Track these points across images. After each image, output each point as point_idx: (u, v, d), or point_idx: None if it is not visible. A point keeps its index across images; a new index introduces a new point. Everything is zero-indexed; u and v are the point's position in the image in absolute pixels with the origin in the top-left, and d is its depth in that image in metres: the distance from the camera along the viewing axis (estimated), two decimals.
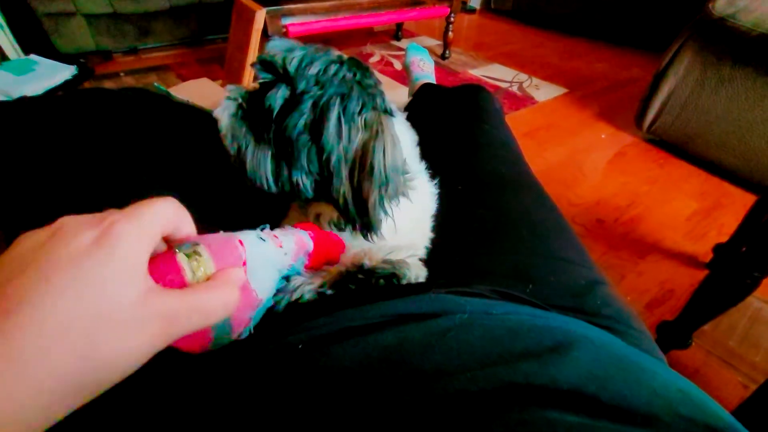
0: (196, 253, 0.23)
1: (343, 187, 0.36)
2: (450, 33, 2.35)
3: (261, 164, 0.36)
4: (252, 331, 0.27)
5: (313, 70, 0.34)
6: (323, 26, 1.87)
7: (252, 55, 1.65)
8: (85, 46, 2.07)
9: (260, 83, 0.36)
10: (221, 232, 0.27)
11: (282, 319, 0.34)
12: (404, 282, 0.34)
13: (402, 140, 0.39)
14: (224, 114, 0.37)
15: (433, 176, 0.49)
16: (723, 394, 0.82)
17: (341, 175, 0.35)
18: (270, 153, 0.36)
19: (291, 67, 0.34)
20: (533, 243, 0.44)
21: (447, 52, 2.45)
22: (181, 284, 0.22)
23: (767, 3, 1.21)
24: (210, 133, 0.54)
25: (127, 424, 0.24)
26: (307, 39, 2.50)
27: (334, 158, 0.35)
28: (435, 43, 2.73)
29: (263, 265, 0.28)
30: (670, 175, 1.51)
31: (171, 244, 0.24)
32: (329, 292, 0.36)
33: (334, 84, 0.35)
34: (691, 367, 0.87)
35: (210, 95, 1.52)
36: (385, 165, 0.36)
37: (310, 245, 0.34)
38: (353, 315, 0.27)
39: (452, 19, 2.30)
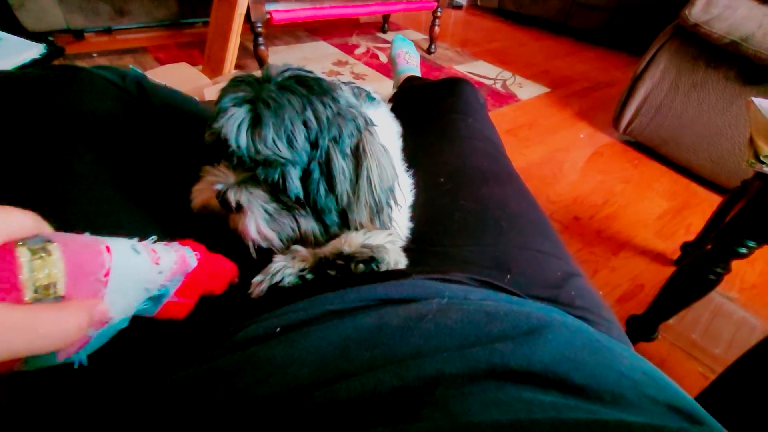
0: (44, 250, 0.18)
1: (357, 213, 0.40)
2: (436, 28, 2.36)
3: (303, 228, 0.39)
4: (84, 360, 0.22)
5: (298, 147, 0.36)
6: (308, 15, 1.84)
7: (234, 41, 1.61)
8: (54, 24, 1.96)
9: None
10: (87, 233, 0.22)
11: (262, 302, 0.34)
12: (383, 267, 0.35)
13: (387, 133, 0.40)
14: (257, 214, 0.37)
15: (408, 167, 0.51)
16: (685, 383, 0.86)
17: (352, 205, 0.39)
18: (313, 217, 0.39)
19: (287, 172, 0.36)
20: (512, 235, 0.45)
21: (433, 46, 2.45)
22: (13, 286, 0.17)
23: (739, 12, 1.26)
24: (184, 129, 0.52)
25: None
26: (291, 27, 2.43)
27: (345, 197, 0.39)
28: (421, 37, 2.73)
29: (129, 279, 0.23)
30: (644, 176, 1.56)
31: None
32: (309, 276, 0.36)
33: (324, 135, 0.37)
34: (657, 358, 0.91)
35: (189, 81, 1.47)
36: (379, 185, 0.40)
37: (192, 266, 0.29)
38: (333, 299, 0.27)
39: (439, 13, 2.30)
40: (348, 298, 0.27)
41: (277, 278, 0.34)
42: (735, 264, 0.73)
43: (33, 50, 1.75)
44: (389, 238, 0.38)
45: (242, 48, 1.74)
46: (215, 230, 0.41)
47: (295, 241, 0.39)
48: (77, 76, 0.42)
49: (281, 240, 0.38)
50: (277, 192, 0.37)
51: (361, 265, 0.34)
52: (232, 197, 0.36)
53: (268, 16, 1.70)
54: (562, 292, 0.40)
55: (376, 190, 0.39)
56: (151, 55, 2.02)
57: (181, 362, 0.27)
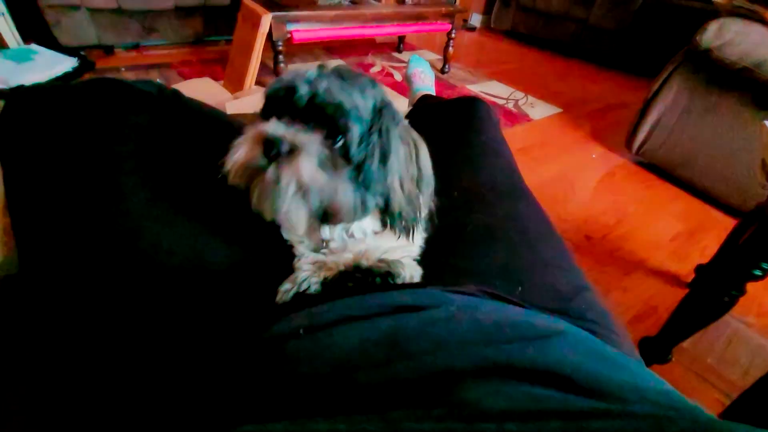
0: None
1: (399, 197, 0.39)
2: (450, 48, 2.41)
3: (345, 196, 0.36)
4: None
5: (362, 109, 0.36)
6: (327, 35, 1.91)
7: (255, 58, 1.67)
8: (86, 39, 2.07)
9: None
10: None
11: (289, 307, 0.35)
12: (399, 281, 0.36)
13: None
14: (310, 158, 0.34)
15: None
16: None
17: (397, 188, 0.38)
18: (353, 186, 0.36)
19: (348, 120, 0.35)
20: (523, 248, 0.46)
21: (447, 66, 2.50)
22: None
23: (751, 38, 1.27)
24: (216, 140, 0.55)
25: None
26: (310, 46, 2.51)
27: (396, 178, 0.38)
28: (435, 57, 2.79)
29: None
30: (657, 197, 1.56)
31: None
32: (331, 286, 0.37)
33: (382, 118, 0.37)
34: (670, 382, 0.89)
35: (211, 95, 1.53)
36: (427, 169, 0.40)
37: None
38: (352, 304, 0.29)
39: (453, 35, 2.36)
40: (366, 303, 0.28)
41: (303, 286, 0.36)
42: (752, 288, 0.73)
43: (66, 63, 1.85)
44: (405, 253, 0.40)
45: (262, 65, 1.81)
46: (254, 231, 0.43)
47: (325, 215, 0.36)
48: (118, 89, 0.45)
49: (319, 203, 0.35)
50: (330, 150, 0.35)
51: (378, 279, 0.36)
52: (288, 136, 0.33)
53: (289, 35, 1.77)
54: (572, 305, 0.41)
55: (423, 176, 0.40)
56: (175, 70, 2.11)
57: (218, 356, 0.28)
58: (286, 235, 0.45)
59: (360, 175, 0.36)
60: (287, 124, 0.35)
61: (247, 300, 0.39)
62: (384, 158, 0.37)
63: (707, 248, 1.30)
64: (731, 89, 1.36)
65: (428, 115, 0.78)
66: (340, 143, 0.35)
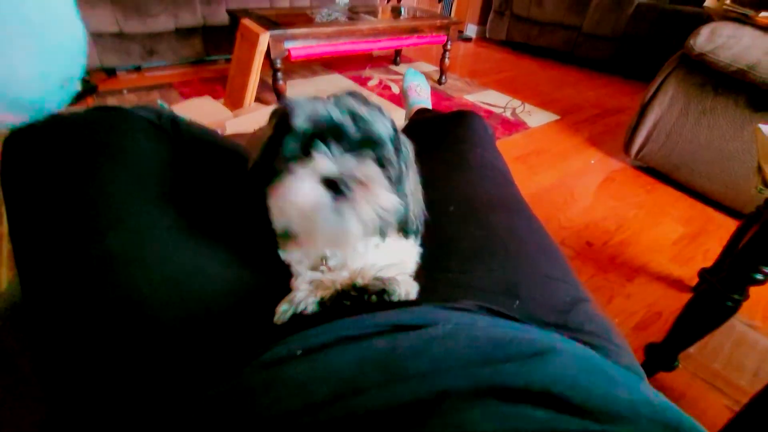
0: None
1: (413, 205, 0.42)
2: (446, 60, 2.45)
3: (399, 211, 0.38)
4: None
5: (389, 133, 0.39)
6: (324, 51, 1.94)
7: (254, 76, 1.70)
8: (89, 63, 2.11)
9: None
10: None
11: (285, 327, 0.36)
12: (394, 298, 0.37)
13: None
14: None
15: None
16: (708, 416, 0.83)
17: (411, 197, 0.42)
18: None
19: (387, 145, 0.38)
20: (520, 261, 0.47)
21: (443, 77, 2.53)
22: None
23: (743, 41, 1.28)
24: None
25: None
26: (308, 61, 2.54)
27: (412, 188, 0.42)
28: (432, 68, 2.83)
29: None
30: (657, 201, 1.56)
31: None
32: (328, 305, 0.38)
33: (398, 138, 0.40)
34: (677, 389, 0.88)
35: (211, 114, 1.56)
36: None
37: None
38: (349, 324, 0.29)
39: (449, 46, 2.39)
40: (363, 323, 0.29)
41: (301, 307, 0.36)
42: (757, 291, 0.72)
43: None
44: (400, 270, 0.40)
45: (261, 82, 1.84)
46: (252, 251, 0.45)
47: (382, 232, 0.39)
48: (121, 117, 0.47)
49: (386, 225, 0.37)
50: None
51: (374, 297, 0.36)
52: (357, 171, 0.34)
53: (287, 53, 1.80)
54: (570, 317, 0.41)
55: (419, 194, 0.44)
56: (176, 90, 2.15)
57: (213, 381, 0.29)
58: (283, 256, 0.46)
59: (398, 192, 0.39)
60: (336, 157, 0.36)
61: (246, 320, 0.39)
62: (407, 172, 0.41)
63: (710, 251, 1.29)
64: (726, 91, 1.37)
65: (424, 129, 0.79)
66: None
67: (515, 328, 0.31)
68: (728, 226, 1.40)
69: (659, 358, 0.88)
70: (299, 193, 0.34)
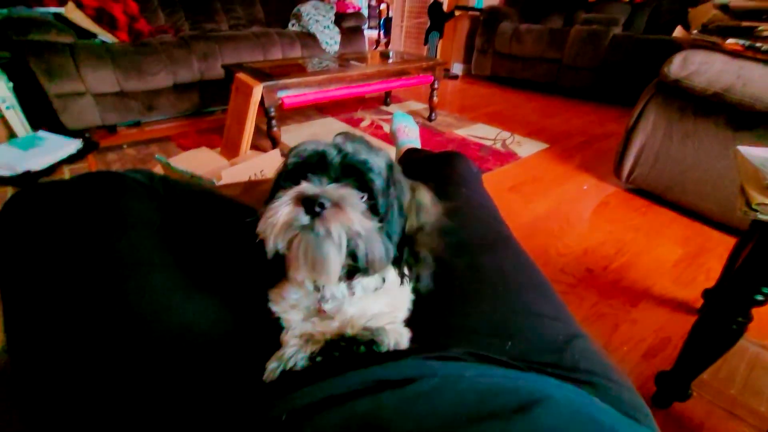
0: None
1: (410, 244, 0.42)
2: (435, 98, 2.54)
3: (380, 245, 0.38)
4: None
5: (380, 167, 0.40)
6: (316, 98, 2.02)
7: (249, 125, 1.76)
8: (91, 121, 2.20)
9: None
10: None
11: (276, 385, 0.35)
12: (383, 349, 0.36)
13: None
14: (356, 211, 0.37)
15: None
16: None
17: (411, 235, 0.42)
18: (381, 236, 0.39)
19: (374, 175, 0.39)
20: (511, 300, 0.46)
21: (433, 114, 2.62)
22: None
23: (714, 66, 1.34)
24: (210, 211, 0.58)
25: None
26: (301, 107, 2.63)
27: (407, 226, 0.42)
28: (422, 106, 2.93)
29: None
30: (653, 222, 1.56)
31: None
32: (319, 359, 0.38)
33: (393, 173, 0.41)
34: (696, 420, 0.85)
35: (208, 163, 1.59)
36: (430, 212, 0.44)
37: None
38: (335, 383, 0.29)
39: (436, 85, 2.49)
40: (349, 381, 0.28)
41: (290, 364, 0.36)
42: (766, 310, 0.71)
43: (71, 146, 1.95)
44: (391, 319, 0.40)
45: (257, 130, 1.90)
46: (244, 303, 0.45)
47: (353, 270, 0.38)
48: (117, 182, 0.48)
49: (364, 252, 0.36)
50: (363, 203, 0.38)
51: (362, 347, 0.36)
52: (330, 191, 0.35)
53: (280, 101, 1.87)
54: (564, 355, 0.40)
55: (428, 221, 0.44)
56: (174, 143, 2.21)
57: None
58: (274, 308, 0.46)
59: (384, 225, 0.39)
60: (320, 184, 0.38)
61: (237, 376, 0.39)
62: (400, 208, 0.41)
63: (712, 270, 1.28)
64: (706, 114, 1.42)
65: (411, 170, 0.81)
66: (364, 198, 0.39)
67: (504, 375, 0.31)
68: (726, 243, 1.40)
69: (672, 387, 0.85)
70: (278, 213, 0.36)
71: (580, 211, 1.63)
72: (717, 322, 0.74)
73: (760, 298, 0.69)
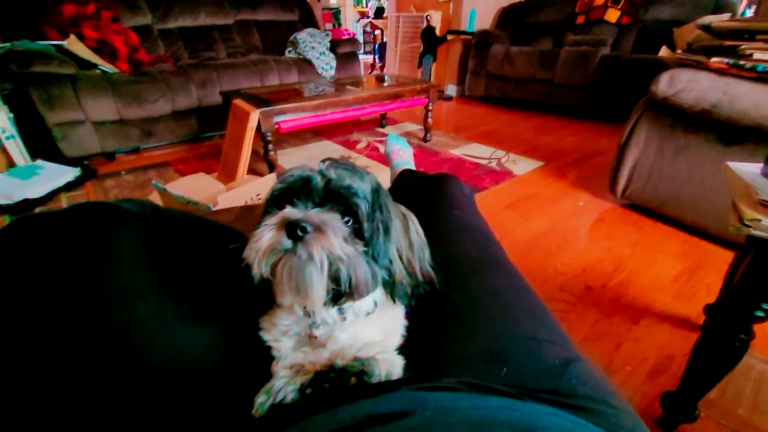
0: None
1: (399, 267, 0.43)
2: (429, 119, 2.58)
3: (365, 269, 0.38)
4: None
5: (365, 191, 0.40)
6: (312, 121, 2.05)
7: (246, 150, 1.78)
8: (90, 149, 2.22)
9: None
10: None
11: (264, 421, 0.34)
12: (374, 379, 0.36)
13: None
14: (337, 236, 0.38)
15: None
16: None
17: (397, 259, 0.42)
18: (366, 260, 0.39)
19: (358, 200, 0.39)
20: (504, 324, 0.46)
21: (428, 135, 2.65)
22: None
23: (701, 84, 1.37)
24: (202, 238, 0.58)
25: None
26: (298, 131, 2.67)
27: (395, 249, 0.42)
28: (417, 127, 2.97)
29: None
30: (650, 238, 1.56)
31: None
32: (308, 391, 0.37)
33: (379, 197, 0.42)
34: None
35: (205, 189, 1.60)
36: (418, 237, 0.45)
37: None
38: (324, 420, 0.28)
39: (430, 107, 2.53)
40: (339, 417, 0.28)
41: (280, 397, 0.35)
42: None
43: (68, 174, 1.96)
44: (382, 348, 0.39)
45: (254, 153, 1.92)
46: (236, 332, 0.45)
47: (338, 294, 0.38)
48: (108, 213, 0.49)
49: (347, 276, 0.36)
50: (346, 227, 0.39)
51: (353, 378, 0.35)
52: (312, 216, 0.36)
53: (277, 126, 1.90)
54: (562, 381, 0.39)
55: (414, 245, 0.44)
56: (172, 168, 2.23)
57: None
58: (265, 336, 0.45)
59: (369, 249, 0.39)
60: (305, 209, 0.38)
61: (225, 409, 0.38)
62: (387, 231, 0.41)
63: (712, 285, 1.27)
64: (695, 130, 1.44)
65: (405, 193, 0.81)
66: (349, 223, 0.39)
67: (499, 406, 0.30)
68: (725, 257, 1.39)
69: (678, 408, 0.83)
70: (262, 238, 0.36)
71: (576, 228, 1.63)
72: (719, 339, 0.73)
73: (760, 314, 0.68)
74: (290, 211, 0.37)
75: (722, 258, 1.41)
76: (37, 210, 1.73)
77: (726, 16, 2.48)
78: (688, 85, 1.39)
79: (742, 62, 1.28)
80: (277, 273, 0.37)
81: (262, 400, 0.35)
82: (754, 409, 0.89)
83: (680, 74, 1.42)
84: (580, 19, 3.40)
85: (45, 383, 0.37)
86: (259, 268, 0.37)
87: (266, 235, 0.36)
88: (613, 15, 3.22)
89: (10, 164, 2.00)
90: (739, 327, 0.70)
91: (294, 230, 0.35)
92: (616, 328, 1.11)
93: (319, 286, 0.36)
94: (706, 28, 1.47)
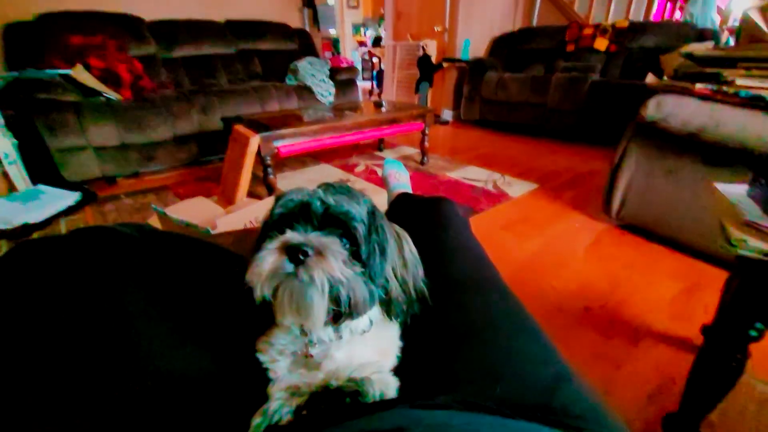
0: None
1: (394, 285, 0.44)
2: (426, 143, 2.63)
3: (362, 289, 0.40)
4: None
5: (362, 214, 0.42)
6: (311, 146, 2.09)
7: (246, 174, 1.81)
8: (91, 174, 2.25)
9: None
10: None
11: None
12: (368, 400, 0.36)
13: None
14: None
15: None
16: None
17: (392, 277, 0.44)
18: (364, 280, 0.40)
19: (357, 223, 0.41)
20: (499, 343, 0.46)
21: (425, 158, 2.70)
22: None
23: (688, 109, 1.42)
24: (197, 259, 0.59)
25: None
26: (298, 155, 2.70)
27: (390, 268, 0.43)
28: (414, 151, 3.03)
29: None
30: (647, 258, 1.57)
31: None
32: (304, 412, 0.37)
33: (375, 219, 0.43)
34: None
35: (204, 212, 1.62)
36: (412, 255, 0.47)
37: None
38: None
39: (427, 131, 2.59)
40: None
41: (275, 419, 0.35)
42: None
43: (69, 199, 1.98)
44: (377, 368, 0.40)
45: (253, 177, 1.95)
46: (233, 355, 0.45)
47: (337, 314, 0.39)
48: (107, 237, 0.49)
49: (346, 297, 0.37)
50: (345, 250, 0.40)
51: (348, 398, 0.36)
52: (312, 240, 0.37)
53: (276, 150, 1.93)
54: (554, 399, 0.39)
55: (408, 263, 0.46)
56: (172, 191, 2.25)
57: None
58: (261, 358, 0.45)
59: (367, 270, 0.40)
60: (304, 233, 0.39)
61: (223, 428, 0.38)
62: (383, 252, 0.42)
63: (709, 305, 1.27)
64: (683, 152, 1.47)
65: (401, 215, 0.83)
66: (347, 245, 0.40)
67: (492, 424, 0.30)
68: (721, 277, 1.39)
69: (679, 430, 0.82)
70: (264, 261, 0.37)
71: (573, 248, 1.65)
72: (715, 360, 0.73)
73: (754, 333, 0.68)
74: (292, 236, 0.38)
75: (718, 278, 1.41)
76: (36, 235, 1.73)
77: (710, 44, 2.58)
78: (675, 110, 1.44)
79: (725, 88, 1.33)
80: (279, 295, 0.38)
81: (258, 422, 0.36)
82: (757, 431, 0.88)
83: (667, 99, 1.47)
84: (571, 47, 3.54)
85: (44, 402, 0.37)
86: (262, 290, 0.38)
87: (268, 259, 0.37)
88: (601, 44, 3.35)
89: (11, 188, 2.02)
90: (734, 347, 0.70)
91: (296, 254, 0.36)
92: (615, 350, 1.11)
93: (320, 307, 0.37)
94: (689, 56, 1.53)
